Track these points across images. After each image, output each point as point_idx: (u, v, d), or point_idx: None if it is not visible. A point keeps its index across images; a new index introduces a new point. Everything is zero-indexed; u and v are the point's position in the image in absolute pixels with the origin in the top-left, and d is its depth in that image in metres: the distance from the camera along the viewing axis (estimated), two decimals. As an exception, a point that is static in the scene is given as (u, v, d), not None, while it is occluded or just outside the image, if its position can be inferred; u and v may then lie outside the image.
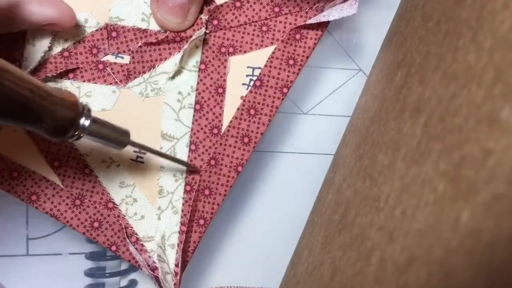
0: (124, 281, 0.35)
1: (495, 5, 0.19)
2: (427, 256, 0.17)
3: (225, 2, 0.31)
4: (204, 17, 0.31)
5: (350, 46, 0.37)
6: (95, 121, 0.25)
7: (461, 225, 0.16)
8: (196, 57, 0.31)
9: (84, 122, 0.25)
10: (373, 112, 0.30)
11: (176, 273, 0.30)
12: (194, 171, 0.31)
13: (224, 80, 0.31)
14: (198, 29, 0.31)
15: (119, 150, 0.28)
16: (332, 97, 0.37)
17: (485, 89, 0.17)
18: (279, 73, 0.31)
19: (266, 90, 0.31)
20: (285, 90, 0.31)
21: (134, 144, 0.28)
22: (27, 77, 0.23)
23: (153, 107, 0.31)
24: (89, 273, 0.35)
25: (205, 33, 0.31)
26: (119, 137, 0.27)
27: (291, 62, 0.31)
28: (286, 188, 0.37)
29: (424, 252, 0.18)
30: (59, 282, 0.35)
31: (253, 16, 0.31)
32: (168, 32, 0.31)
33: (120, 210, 0.30)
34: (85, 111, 0.25)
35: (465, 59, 0.20)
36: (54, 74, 0.30)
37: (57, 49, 0.30)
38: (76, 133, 0.25)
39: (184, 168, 0.31)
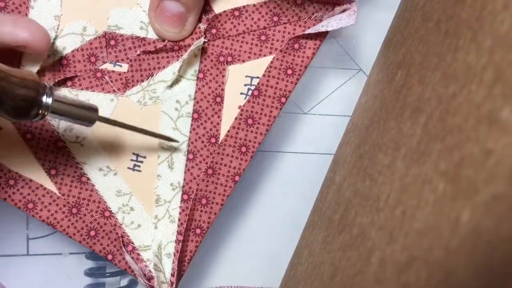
0: (124, 281, 0.35)
1: (495, 5, 0.19)
2: (427, 256, 0.17)
3: (224, 11, 0.31)
4: (202, 26, 0.31)
5: (350, 46, 0.37)
6: (59, 99, 0.25)
7: (461, 225, 0.16)
8: (195, 66, 0.31)
9: (47, 100, 0.24)
10: (373, 112, 0.30)
11: (172, 283, 0.30)
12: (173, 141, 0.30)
13: (222, 89, 0.31)
14: (197, 38, 0.31)
15: (89, 127, 0.27)
16: (332, 97, 0.37)
17: (485, 89, 0.17)
18: (277, 83, 0.31)
19: (264, 100, 0.31)
20: (283, 99, 0.31)
21: (103, 120, 0.27)
22: None
23: (151, 116, 0.31)
24: (89, 273, 0.35)
25: (204, 42, 0.31)
26: (87, 113, 0.26)
27: (289, 71, 0.31)
28: (286, 188, 0.37)
29: (424, 252, 0.18)
30: (59, 282, 0.35)
31: (251, 25, 0.31)
32: (166, 40, 0.30)
33: (117, 219, 0.30)
34: (47, 89, 0.25)
35: (465, 59, 0.20)
36: (53, 82, 0.30)
37: (56, 57, 0.30)
38: (40, 112, 0.24)
39: (182, 177, 0.31)
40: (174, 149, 0.31)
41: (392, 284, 0.19)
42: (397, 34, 0.32)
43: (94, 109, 0.27)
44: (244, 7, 0.31)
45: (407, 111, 0.25)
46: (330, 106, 0.37)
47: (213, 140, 0.31)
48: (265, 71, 0.31)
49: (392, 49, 0.32)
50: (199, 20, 0.31)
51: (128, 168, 0.31)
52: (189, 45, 0.30)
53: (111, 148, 0.30)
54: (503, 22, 0.17)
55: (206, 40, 0.31)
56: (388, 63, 0.31)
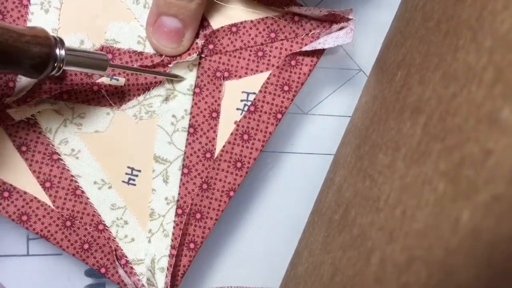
0: (124, 281, 0.35)
1: (495, 5, 0.19)
2: (427, 256, 0.17)
3: (221, 27, 0.31)
4: (200, 41, 0.31)
5: (350, 46, 0.37)
6: (71, 51, 0.26)
7: (461, 225, 0.16)
8: (191, 81, 0.31)
9: (61, 53, 0.25)
10: (373, 112, 0.30)
11: None
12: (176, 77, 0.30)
13: (219, 105, 0.31)
14: (194, 52, 0.31)
15: (102, 75, 0.29)
16: (332, 97, 0.37)
17: (485, 89, 0.17)
18: (273, 99, 0.31)
19: (260, 116, 0.31)
20: (279, 116, 0.31)
21: (114, 66, 0.28)
22: None
23: (147, 130, 0.31)
24: (89, 273, 0.35)
25: (201, 57, 0.31)
26: (99, 62, 0.27)
27: (286, 88, 0.31)
28: (286, 188, 0.37)
29: (424, 252, 0.18)
30: (59, 282, 0.35)
31: (249, 41, 0.31)
32: (163, 55, 0.30)
33: (111, 232, 0.30)
34: (58, 43, 0.26)
35: (465, 59, 0.20)
36: (49, 96, 0.29)
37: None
38: (56, 65, 0.25)
39: (177, 191, 0.31)
40: (170, 164, 0.31)
41: (392, 284, 0.19)
42: (397, 34, 0.32)
43: (104, 56, 0.28)
44: (241, 23, 0.31)
45: (407, 112, 0.25)
46: (330, 106, 0.37)
47: (208, 155, 0.31)
48: (262, 87, 0.31)
49: (392, 49, 0.32)
50: (197, 36, 0.31)
51: (123, 181, 0.30)
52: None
53: (106, 162, 0.30)
54: (503, 22, 0.17)
55: (203, 55, 0.31)
56: (388, 63, 0.31)
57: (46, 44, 0.25)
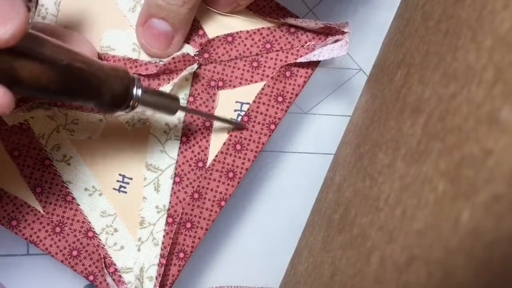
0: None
1: (495, 5, 0.19)
2: (427, 256, 0.17)
3: (217, 36, 0.31)
4: (195, 50, 0.30)
5: (350, 46, 0.37)
6: (147, 90, 0.26)
7: (461, 225, 0.16)
8: (185, 90, 0.31)
9: (137, 91, 0.25)
10: (373, 112, 0.30)
11: None
12: (240, 127, 0.31)
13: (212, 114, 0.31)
14: (190, 64, 0.30)
15: (171, 117, 0.29)
16: (332, 96, 0.37)
17: (485, 89, 0.17)
18: (267, 110, 0.31)
19: (253, 126, 0.31)
20: (272, 126, 0.31)
21: (184, 109, 0.28)
22: (75, 51, 0.23)
23: (139, 137, 0.30)
24: (89, 273, 0.35)
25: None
26: (170, 103, 0.27)
27: (280, 99, 0.31)
28: (286, 188, 0.37)
29: (424, 252, 0.18)
30: (59, 282, 0.35)
31: (244, 51, 0.31)
32: (158, 63, 0.30)
33: (100, 240, 0.30)
34: (136, 81, 0.25)
35: (465, 58, 0.20)
36: (43, 101, 0.29)
37: None
38: (131, 104, 0.25)
39: (168, 200, 0.30)
40: (161, 172, 0.31)
41: (392, 284, 0.19)
42: (397, 33, 0.32)
43: (176, 99, 0.27)
44: (237, 33, 0.31)
45: (407, 111, 0.25)
46: (330, 106, 0.37)
47: (200, 164, 0.31)
48: (256, 97, 0.31)
49: (392, 49, 0.32)
50: (188, 42, 0.31)
51: (114, 189, 0.30)
52: (181, 70, 0.30)
53: (98, 168, 0.30)
54: (503, 22, 0.17)
55: (198, 65, 0.31)
56: (388, 63, 0.31)
57: (125, 78, 0.25)
